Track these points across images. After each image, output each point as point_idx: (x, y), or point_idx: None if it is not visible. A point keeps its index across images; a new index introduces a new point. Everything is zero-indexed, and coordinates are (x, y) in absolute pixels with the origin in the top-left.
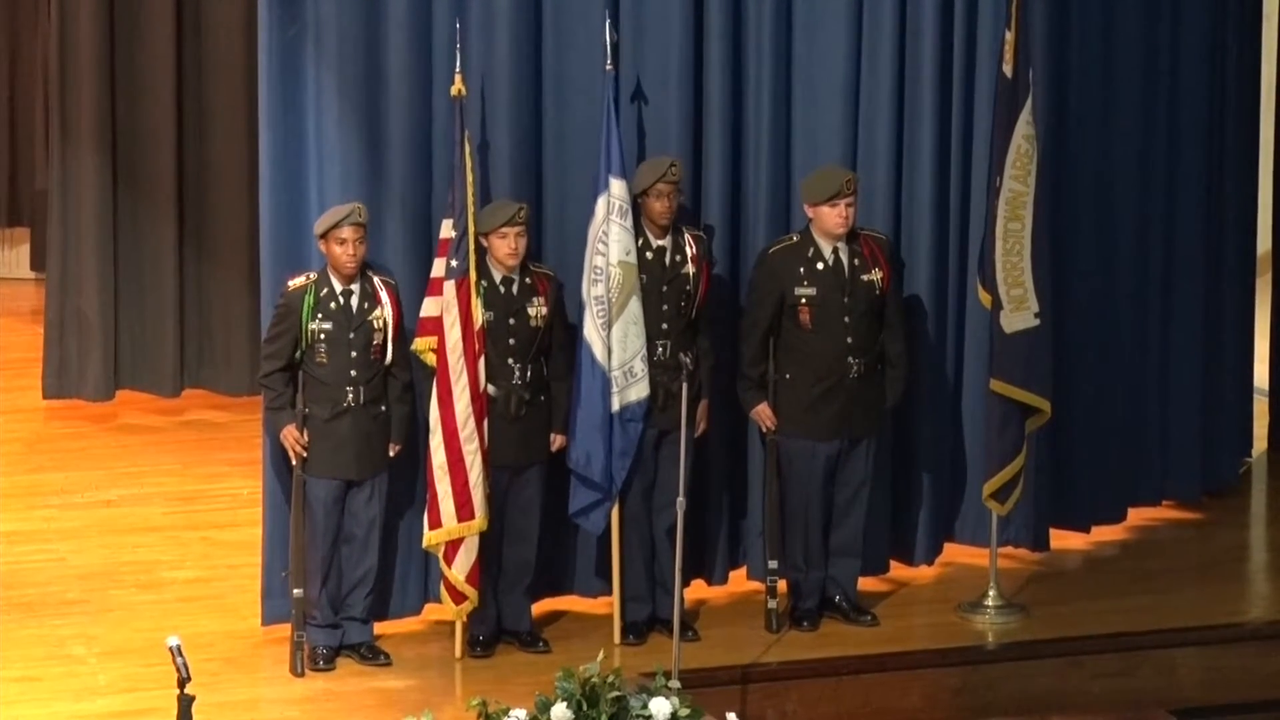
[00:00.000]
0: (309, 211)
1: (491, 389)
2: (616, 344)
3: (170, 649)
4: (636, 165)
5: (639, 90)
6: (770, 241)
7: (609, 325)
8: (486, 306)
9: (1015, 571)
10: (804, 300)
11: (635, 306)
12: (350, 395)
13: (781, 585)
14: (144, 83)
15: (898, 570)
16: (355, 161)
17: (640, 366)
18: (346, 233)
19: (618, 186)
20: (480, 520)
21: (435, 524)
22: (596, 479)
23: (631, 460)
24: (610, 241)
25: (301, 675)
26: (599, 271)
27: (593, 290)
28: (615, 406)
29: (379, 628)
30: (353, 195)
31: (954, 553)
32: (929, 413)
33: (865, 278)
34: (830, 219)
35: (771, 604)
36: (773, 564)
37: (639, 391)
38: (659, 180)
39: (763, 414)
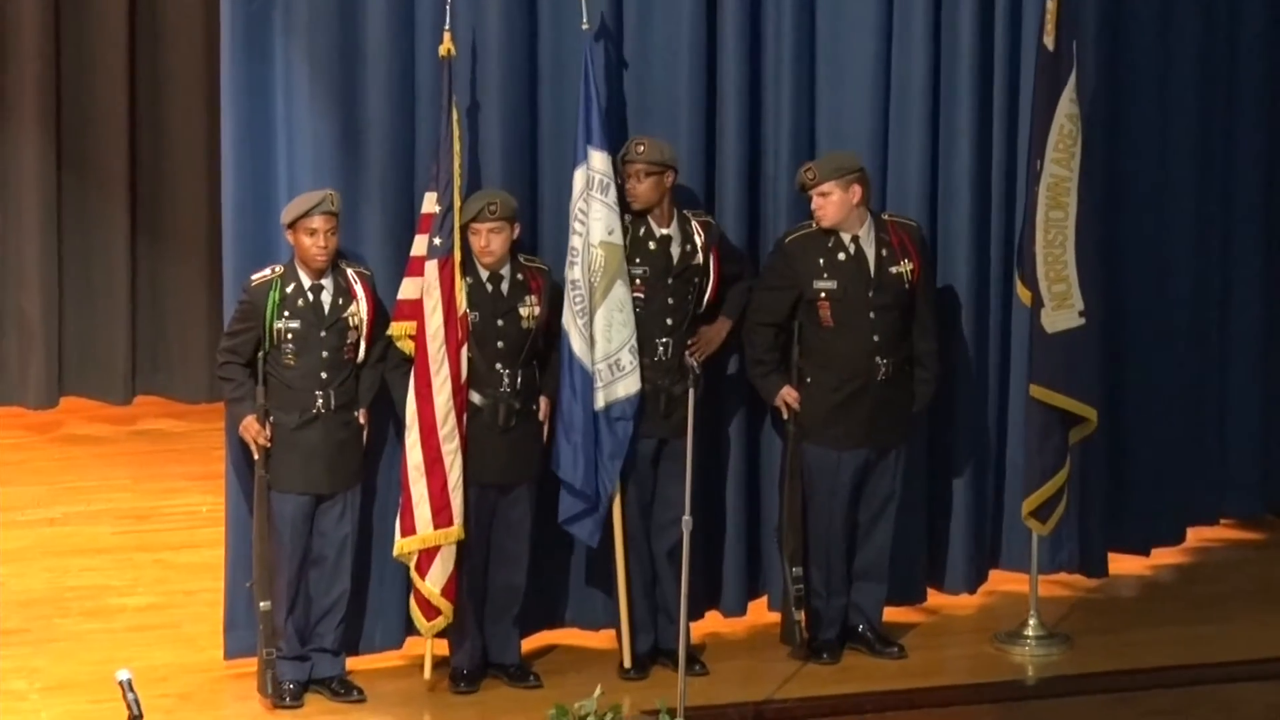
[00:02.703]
0: (277, 200)
1: (477, 398)
2: (600, 334)
3: (120, 684)
4: (635, 144)
5: (646, 65)
6: (788, 228)
7: (589, 313)
8: (471, 306)
9: (1060, 598)
10: (823, 294)
11: (620, 292)
12: (320, 400)
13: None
14: (93, 55)
15: (935, 599)
16: (328, 144)
17: (629, 359)
18: (317, 222)
19: (598, 159)
20: (458, 529)
21: (409, 530)
22: (580, 487)
23: (621, 464)
24: (590, 219)
25: (270, 697)
26: (575, 253)
27: (568, 274)
28: (599, 404)
29: (352, 662)
30: (325, 182)
31: (999, 580)
32: (970, 423)
33: (893, 270)
34: (814, 210)
35: (797, 615)
36: (796, 570)
37: (627, 387)
38: (623, 159)
39: (788, 396)
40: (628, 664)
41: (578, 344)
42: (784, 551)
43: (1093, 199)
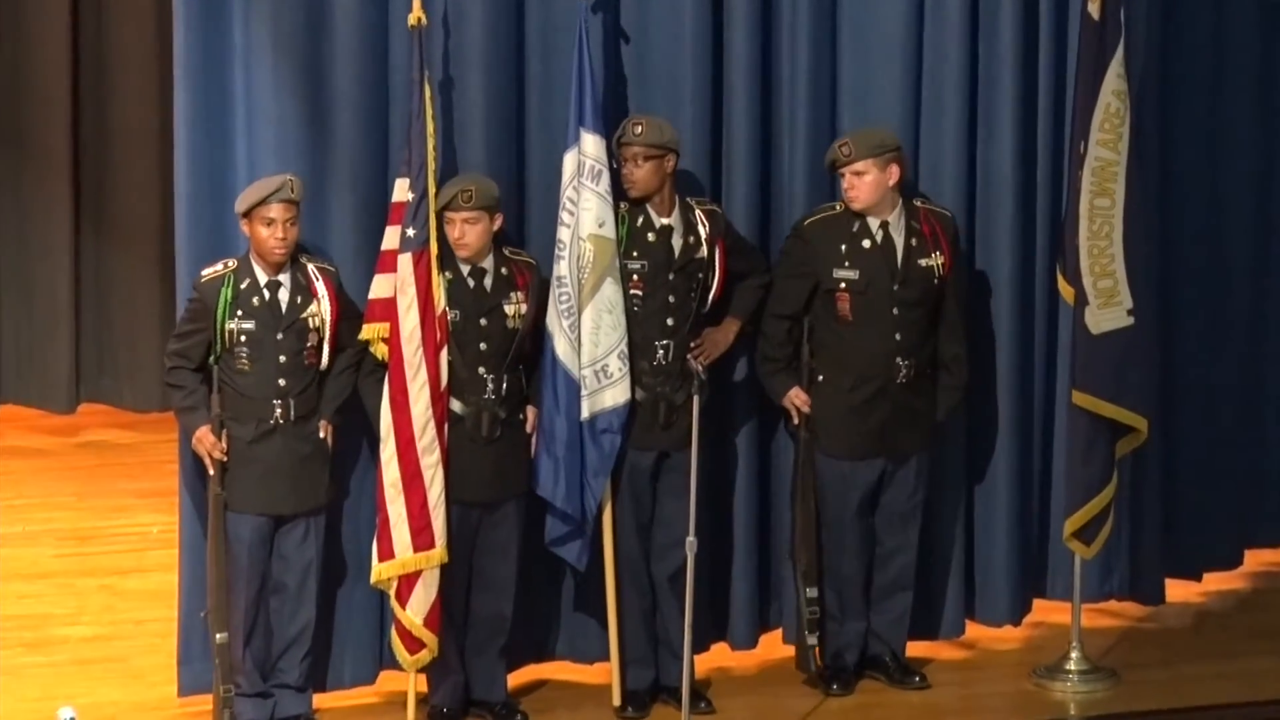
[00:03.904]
0: (235, 186)
1: (458, 406)
2: (587, 337)
3: None
4: (632, 124)
5: (645, 36)
6: (807, 211)
7: (575, 312)
8: (451, 304)
9: (1105, 628)
10: (843, 285)
11: (610, 291)
12: (278, 410)
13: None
14: (32, 25)
15: (973, 631)
16: (293, 124)
17: (617, 365)
18: (275, 211)
19: (591, 142)
20: (440, 551)
21: (386, 554)
22: (561, 506)
23: (606, 481)
24: (579, 209)
25: None
26: (562, 246)
27: (555, 269)
28: (584, 414)
29: (319, 699)
30: (289, 166)
31: (1044, 610)
32: (1011, 435)
33: (923, 262)
34: (844, 190)
35: (811, 640)
36: (811, 591)
37: (615, 396)
38: (619, 142)
39: (796, 398)
40: (617, 701)
41: (562, 347)
42: (797, 570)
43: (1142, 185)
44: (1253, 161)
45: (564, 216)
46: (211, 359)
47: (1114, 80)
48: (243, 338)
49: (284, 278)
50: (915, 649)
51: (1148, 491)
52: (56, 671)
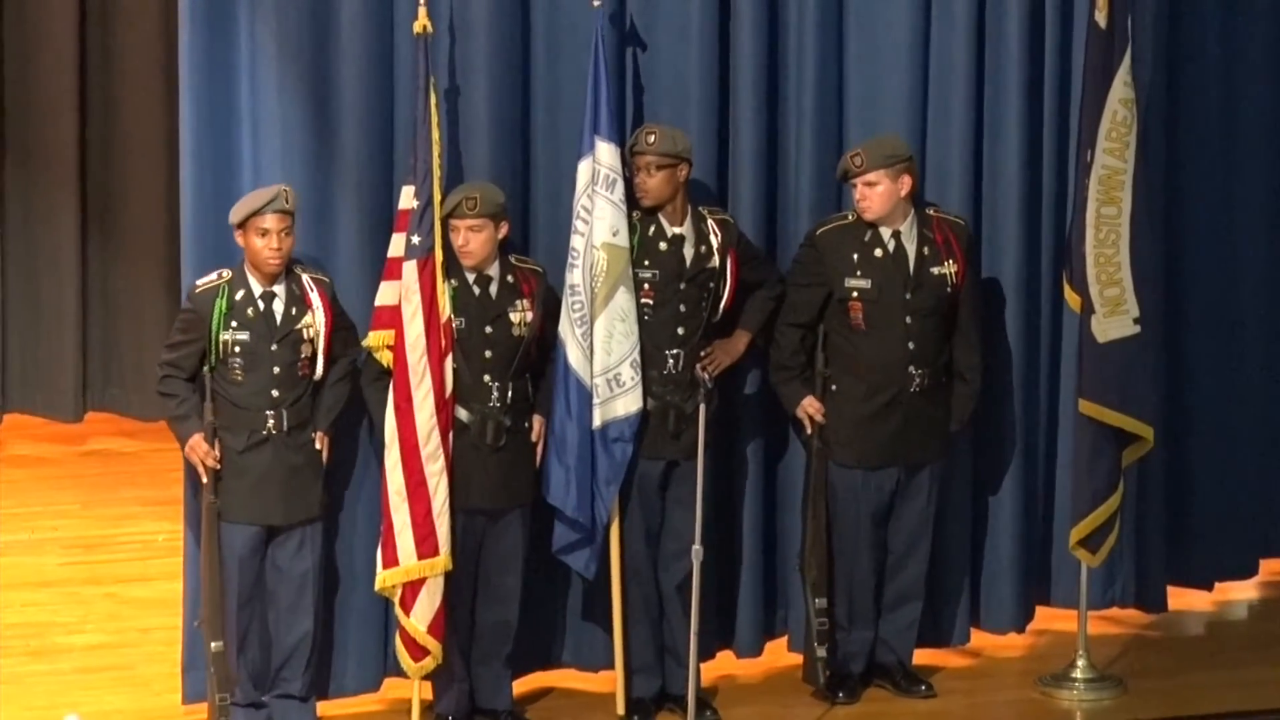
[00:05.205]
0: (241, 195)
1: (464, 414)
2: (599, 345)
3: None
4: (645, 133)
5: (651, 43)
6: (819, 220)
7: (588, 321)
8: (456, 312)
9: (1112, 636)
10: (856, 294)
11: (623, 299)
12: (271, 420)
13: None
14: (39, 34)
15: (978, 639)
16: (298, 133)
17: (630, 374)
18: (269, 221)
19: (606, 151)
20: (444, 559)
21: (391, 562)
22: (572, 514)
23: (617, 489)
24: (593, 218)
25: None
26: (576, 255)
27: (568, 277)
28: (596, 422)
29: (324, 706)
30: (295, 175)
31: (1049, 617)
32: (1017, 442)
33: (935, 270)
34: (856, 201)
35: (820, 651)
36: (820, 601)
37: (627, 405)
38: (631, 151)
39: (809, 407)
40: (621, 710)
41: (575, 356)
42: (806, 580)
43: (1149, 193)
44: (1261, 167)
45: (578, 224)
46: (205, 368)
47: (1121, 89)
48: (237, 348)
49: (279, 288)
50: (921, 657)
51: (1153, 499)
52: (61, 680)
